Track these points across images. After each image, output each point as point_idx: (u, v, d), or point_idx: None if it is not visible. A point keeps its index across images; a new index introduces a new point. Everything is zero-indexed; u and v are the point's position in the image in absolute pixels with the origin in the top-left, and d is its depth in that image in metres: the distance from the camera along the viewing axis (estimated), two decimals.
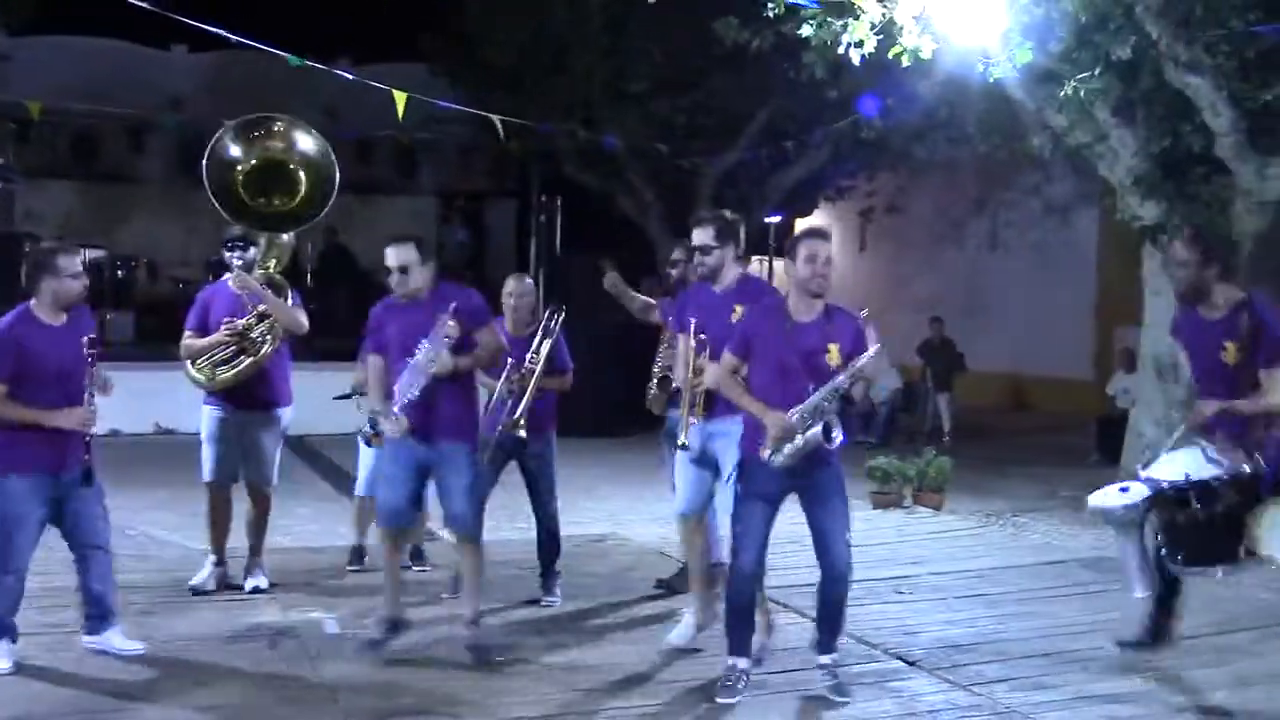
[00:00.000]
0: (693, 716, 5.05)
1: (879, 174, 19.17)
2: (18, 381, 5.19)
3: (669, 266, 6.80)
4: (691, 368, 5.66)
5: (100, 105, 19.67)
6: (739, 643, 5.22)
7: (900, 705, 5.18)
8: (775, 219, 20.14)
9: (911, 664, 5.68)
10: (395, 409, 5.45)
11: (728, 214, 5.97)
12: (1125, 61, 8.88)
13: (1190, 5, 8.65)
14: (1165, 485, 5.15)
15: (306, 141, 6.75)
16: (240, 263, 6.63)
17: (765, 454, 4.99)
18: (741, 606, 5.21)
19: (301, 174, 6.69)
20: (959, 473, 10.21)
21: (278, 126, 6.76)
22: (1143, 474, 5.34)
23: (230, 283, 6.65)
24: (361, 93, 12.52)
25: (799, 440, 4.93)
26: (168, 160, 23.01)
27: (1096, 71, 8.89)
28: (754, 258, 21.91)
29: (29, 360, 5.21)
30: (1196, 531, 5.09)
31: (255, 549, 6.84)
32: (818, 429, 4.90)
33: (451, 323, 5.43)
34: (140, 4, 8.88)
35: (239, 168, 6.57)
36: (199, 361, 6.58)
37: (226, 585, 6.71)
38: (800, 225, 23.61)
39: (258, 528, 6.84)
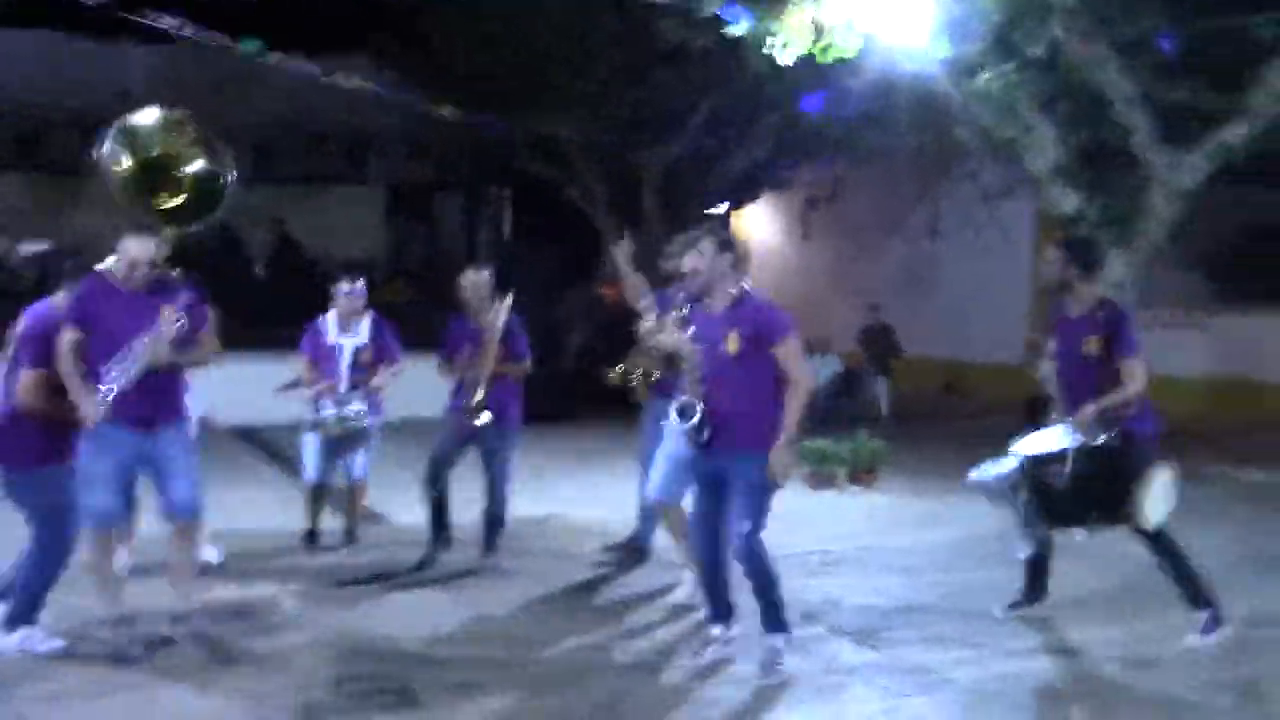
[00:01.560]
0: (648, 685, 5.42)
1: (819, 165, 19.56)
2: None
3: (663, 259, 7.03)
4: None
5: (48, 99, 19.70)
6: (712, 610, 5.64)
7: (820, 665, 5.57)
8: (721, 208, 20.53)
9: (832, 630, 6.07)
10: (102, 394, 5.32)
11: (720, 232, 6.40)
12: (1042, 58, 9.32)
13: (1106, 5, 9.10)
14: (1030, 457, 5.76)
15: (207, 147, 6.57)
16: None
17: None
18: (704, 577, 5.64)
19: (188, 177, 6.52)
20: (894, 455, 10.64)
21: (186, 127, 6.64)
22: (1013, 449, 5.90)
23: None
24: (312, 85, 12.75)
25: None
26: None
27: (1012, 67, 9.31)
28: None
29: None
30: (1057, 497, 5.69)
31: None
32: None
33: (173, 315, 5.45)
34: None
35: (124, 166, 6.54)
36: None
37: None
38: (744, 214, 24.03)
39: None
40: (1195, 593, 5.83)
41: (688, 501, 6.27)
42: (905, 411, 15.44)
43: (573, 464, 11.19)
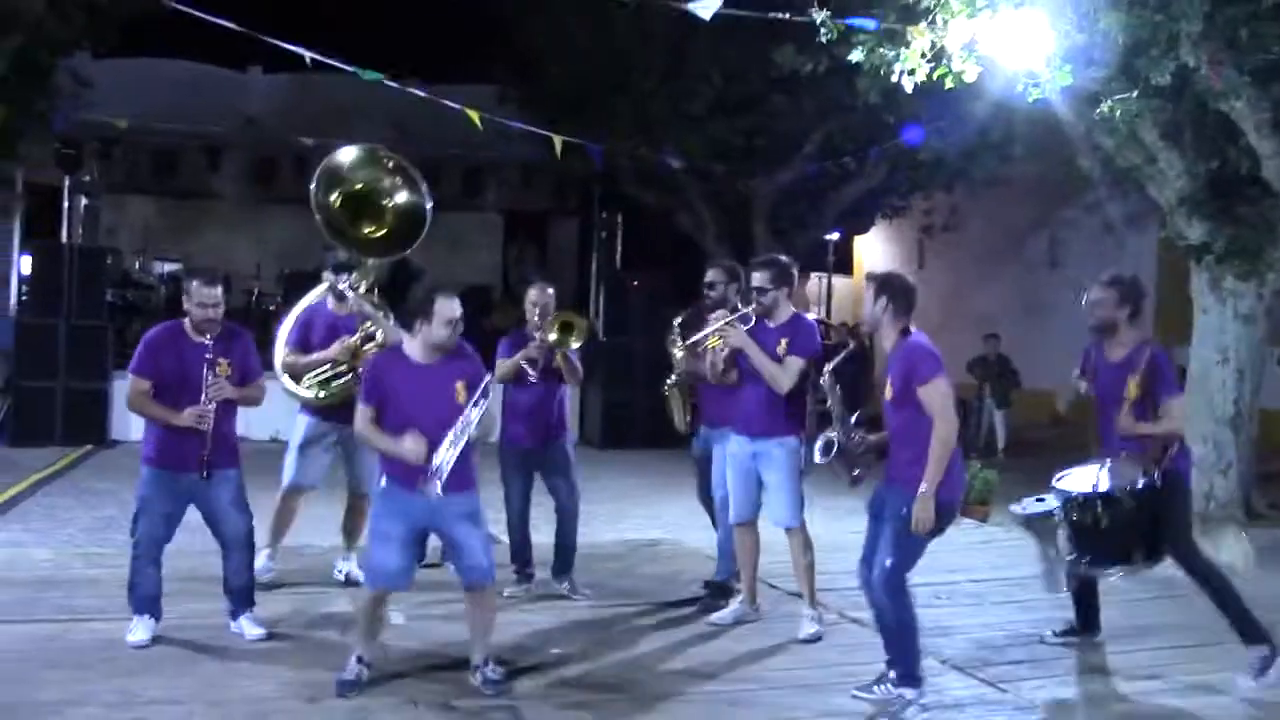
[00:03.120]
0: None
1: (935, 193, 19.37)
2: None
3: (707, 289, 7.08)
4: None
5: (178, 125, 20.40)
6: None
7: (929, 698, 5.45)
8: (833, 236, 20.43)
9: (943, 662, 5.96)
10: (443, 478, 5.19)
11: (783, 259, 6.61)
12: (1168, 85, 9.08)
13: (1235, 31, 8.84)
14: (1075, 495, 5.63)
15: (407, 181, 7.04)
16: (347, 286, 7.00)
17: None
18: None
19: (391, 209, 7.02)
20: (1010, 486, 10.39)
21: (385, 160, 7.10)
22: (1055, 484, 5.78)
23: (340, 307, 7.04)
24: (430, 112, 12.99)
25: None
26: (241, 177, 23.78)
27: (1135, 94, 9.10)
28: (812, 274, 22.21)
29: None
30: (1099, 537, 5.56)
31: (351, 545, 7.30)
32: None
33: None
34: (219, 20, 9.36)
35: (340, 190, 6.92)
36: (306, 378, 6.98)
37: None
38: (858, 243, 23.86)
39: (356, 528, 7.24)
40: (1244, 627, 5.71)
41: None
42: (1024, 442, 15.15)
43: (682, 487, 11.13)
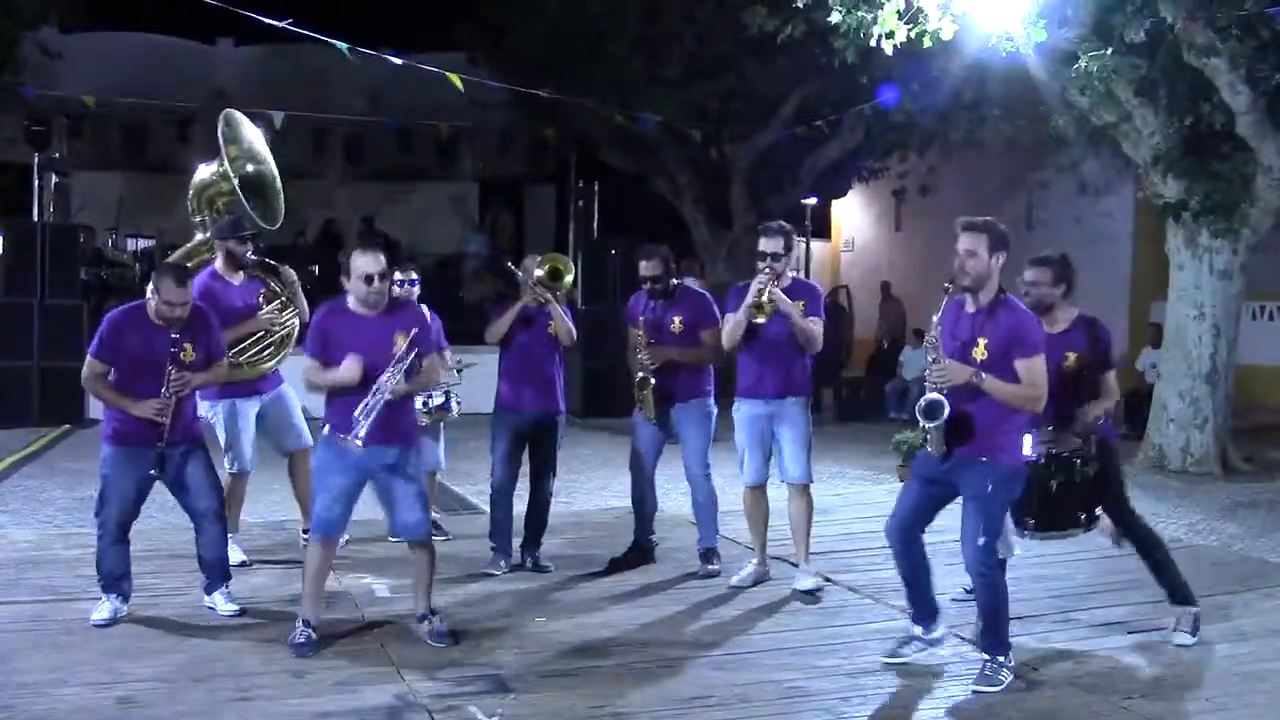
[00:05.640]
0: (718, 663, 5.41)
1: (911, 155, 19.35)
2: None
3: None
4: None
5: (148, 99, 20.18)
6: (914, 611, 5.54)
7: (914, 658, 5.48)
8: (810, 201, 20.41)
9: None
10: (360, 433, 5.31)
11: (787, 225, 6.71)
12: (1142, 43, 9.09)
13: None
14: (1031, 459, 5.54)
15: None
16: (249, 251, 6.93)
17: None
18: (903, 578, 5.52)
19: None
20: None
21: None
22: None
23: (235, 276, 6.92)
24: (403, 81, 12.93)
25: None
26: (213, 151, 23.54)
27: (1109, 52, 9.10)
28: None
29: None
30: (1045, 504, 5.61)
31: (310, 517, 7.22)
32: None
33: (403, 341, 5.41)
34: None
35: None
36: (247, 353, 6.84)
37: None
38: (835, 207, 23.84)
39: (306, 494, 7.11)
40: (1176, 589, 5.83)
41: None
42: None
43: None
